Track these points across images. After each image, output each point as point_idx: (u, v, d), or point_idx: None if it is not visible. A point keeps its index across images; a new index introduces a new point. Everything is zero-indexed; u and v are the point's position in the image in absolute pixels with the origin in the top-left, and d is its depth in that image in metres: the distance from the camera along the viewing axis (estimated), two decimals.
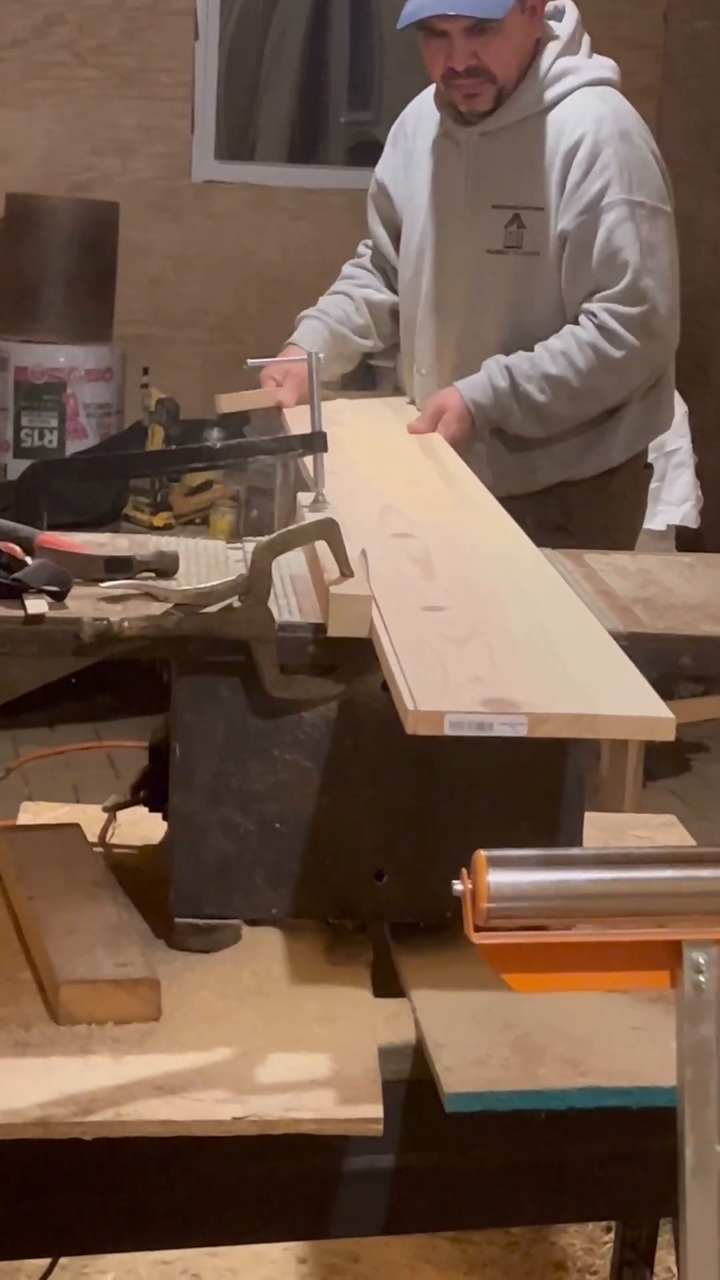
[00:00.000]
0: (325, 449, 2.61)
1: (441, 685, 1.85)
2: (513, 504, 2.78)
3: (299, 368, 3.24)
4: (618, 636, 2.14)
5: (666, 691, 2.01)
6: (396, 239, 3.69)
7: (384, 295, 3.72)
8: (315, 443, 2.59)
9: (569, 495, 3.56)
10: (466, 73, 3.37)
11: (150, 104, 7.16)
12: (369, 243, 3.79)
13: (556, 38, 3.44)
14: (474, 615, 2.11)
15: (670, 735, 1.79)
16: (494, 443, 3.50)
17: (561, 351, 3.39)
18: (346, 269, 3.79)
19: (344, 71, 7.79)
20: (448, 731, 1.76)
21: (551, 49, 3.43)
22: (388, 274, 3.73)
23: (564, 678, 1.92)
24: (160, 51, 7.14)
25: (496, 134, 3.47)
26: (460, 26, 3.32)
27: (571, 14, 3.49)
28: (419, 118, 3.64)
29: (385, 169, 3.71)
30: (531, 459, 3.53)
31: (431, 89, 3.59)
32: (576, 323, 3.42)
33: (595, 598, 2.41)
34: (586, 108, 3.43)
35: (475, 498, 2.83)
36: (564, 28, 3.46)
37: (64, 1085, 1.85)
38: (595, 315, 3.39)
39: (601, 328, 3.38)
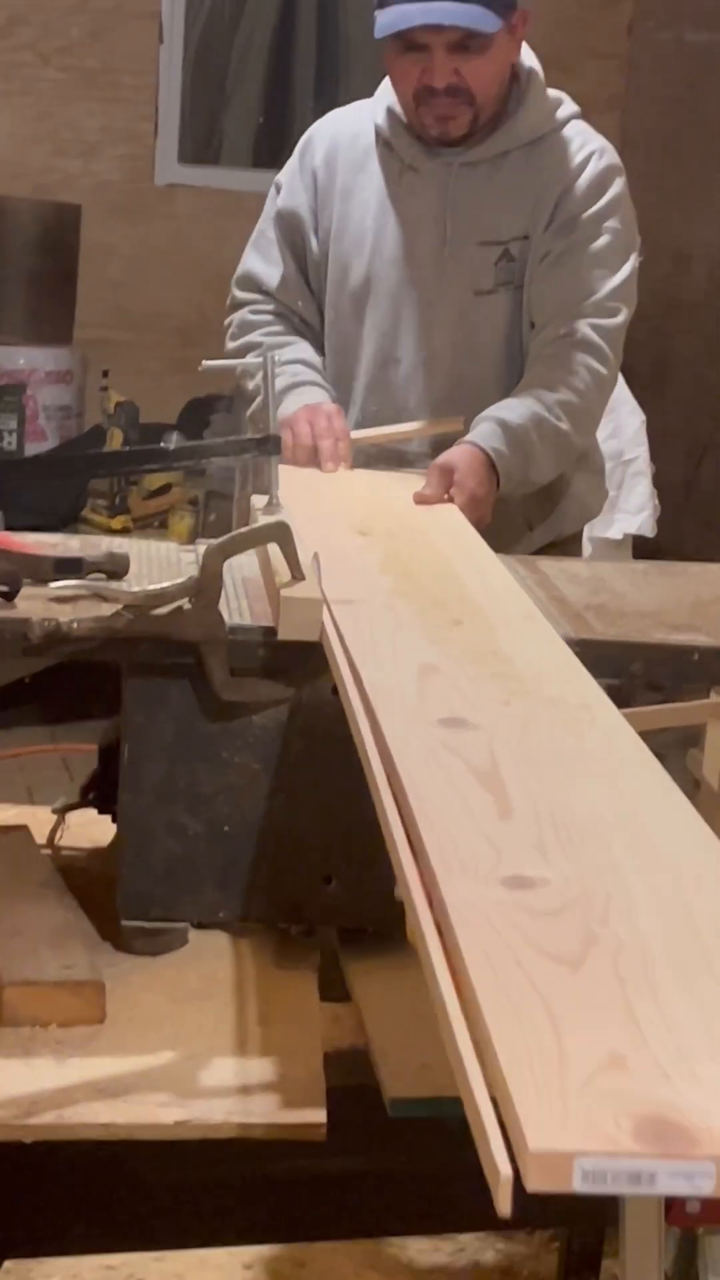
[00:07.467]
0: (279, 452, 2.60)
1: (558, 1087, 1.06)
2: None
3: (343, 427, 3.08)
4: (570, 642, 2.13)
5: (623, 700, 2.00)
6: (305, 277, 3.30)
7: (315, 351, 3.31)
8: (269, 445, 2.59)
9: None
10: (446, 91, 3.05)
11: (114, 106, 7.16)
12: (258, 295, 3.32)
13: (534, 67, 3.20)
14: (584, 894, 1.33)
15: None
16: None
17: (555, 377, 3.08)
18: (246, 318, 3.32)
19: (310, 76, 7.79)
20: (577, 1188, 1.01)
21: (538, 77, 3.20)
22: (292, 321, 3.31)
23: None
24: (124, 54, 7.14)
25: (477, 165, 3.16)
26: (444, 41, 3.00)
27: (528, 49, 3.21)
28: (336, 142, 3.26)
29: (294, 199, 3.27)
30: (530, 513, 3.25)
31: (345, 111, 3.33)
32: (530, 349, 3.14)
33: (548, 604, 2.41)
34: (587, 136, 3.21)
35: (540, 642, 2.10)
36: (532, 59, 3.21)
37: (6, 1087, 1.84)
38: (575, 330, 3.11)
39: (584, 341, 3.11)
